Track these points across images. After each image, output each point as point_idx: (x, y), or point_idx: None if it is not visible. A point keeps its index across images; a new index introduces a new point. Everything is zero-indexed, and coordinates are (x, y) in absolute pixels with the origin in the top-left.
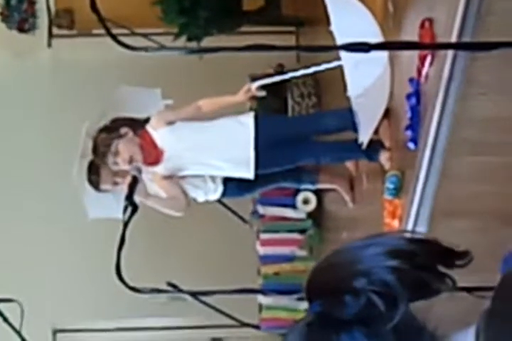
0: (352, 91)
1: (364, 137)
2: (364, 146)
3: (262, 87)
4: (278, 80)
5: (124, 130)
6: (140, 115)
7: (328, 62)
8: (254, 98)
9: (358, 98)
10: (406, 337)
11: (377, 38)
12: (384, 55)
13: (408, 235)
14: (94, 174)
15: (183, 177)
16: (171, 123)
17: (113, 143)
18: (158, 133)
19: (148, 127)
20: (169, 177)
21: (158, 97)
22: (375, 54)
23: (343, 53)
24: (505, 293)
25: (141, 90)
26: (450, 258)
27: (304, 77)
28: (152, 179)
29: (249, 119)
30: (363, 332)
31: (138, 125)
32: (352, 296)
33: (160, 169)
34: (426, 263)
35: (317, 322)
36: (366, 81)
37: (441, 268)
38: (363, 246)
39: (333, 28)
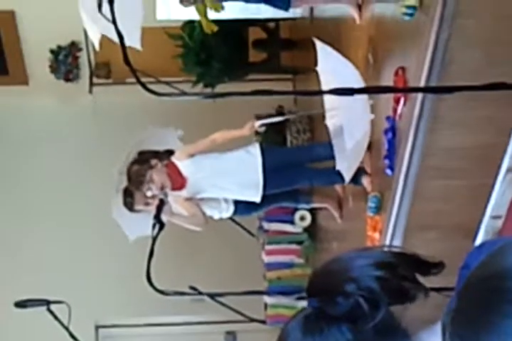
0: (334, 134)
1: (347, 176)
2: (347, 182)
3: (263, 125)
4: (275, 121)
5: (154, 161)
6: (159, 148)
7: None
8: (256, 133)
9: (340, 140)
10: (384, 334)
11: (359, 84)
12: (365, 103)
13: (391, 249)
14: (128, 197)
15: (202, 199)
16: (191, 155)
17: (147, 173)
18: (182, 164)
19: (173, 159)
20: (190, 199)
21: (175, 136)
22: (357, 102)
23: (327, 97)
24: (469, 292)
25: (161, 130)
26: (426, 267)
27: (300, 116)
28: (176, 201)
29: (256, 150)
30: (349, 328)
31: (162, 156)
32: (343, 298)
33: (183, 193)
34: (405, 273)
35: (313, 315)
36: (347, 127)
37: (419, 277)
38: (354, 257)
39: (320, 75)
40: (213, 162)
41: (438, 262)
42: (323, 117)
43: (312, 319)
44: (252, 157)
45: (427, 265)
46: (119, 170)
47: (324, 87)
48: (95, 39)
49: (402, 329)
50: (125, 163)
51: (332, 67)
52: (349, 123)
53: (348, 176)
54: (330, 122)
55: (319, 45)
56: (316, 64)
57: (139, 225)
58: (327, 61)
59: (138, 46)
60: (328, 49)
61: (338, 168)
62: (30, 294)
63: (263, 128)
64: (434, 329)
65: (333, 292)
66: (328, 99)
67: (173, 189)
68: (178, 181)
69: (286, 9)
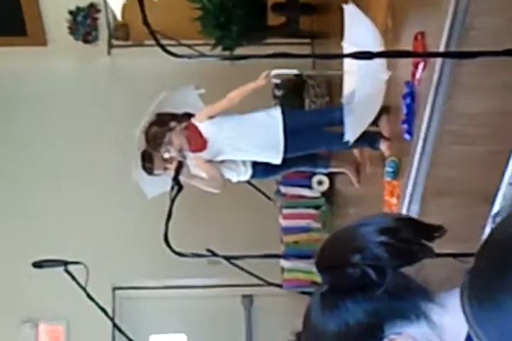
0: (346, 99)
1: (350, 137)
2: (350, 144)
3: (278, 76)
4: (289, 73)
5: (173, 124)
6: (178, 110)
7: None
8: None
9: (351, 104)
10: (399, 296)
11: (378, 47)
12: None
13: (393, 215)
14: (148, 162)
15: (221, 161)
16: (212, 116)
17: (166, 135)
18: (203, 125)
19: (194, 120)
20: (210, 161)
21: (195, 94)
22: (376, 67)
23: (347, 61)
24: (486, 253)
25: (180, 91)
26: (428, 231)
27: (319, 80)
28: (195, 163)
29: (277, 112)
30: (363, 297)
31: (181, 119)
32: (351, 269)
33: (203, 154)
34: (408, 236)
35: (327, 292)
36: (361, 91)
37: (422, 240)
38: (356, 226)
39: (345, 40)
40: (234, 124)
41: (439, 225)
42: (341, 80)
43: (327, 295)
44: (273, 119)
45: (428, 228)
46: (140, 130)
47: (345, 46)
48: (117, 8)
49: (419, 289)
50: (146, 122)
51: (357, 27)
52: (363, 86)
53: (353, 136)
54: (346, 82)
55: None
56: (335, 28)
57: (157, 184)
58: (354, 21)
59: None
60: (357, 10)
61: (345, 126)
62: (48, 255)
63: (278, 80)
64: (453, 291)
65: (340, 265)
66: (347, 61)
67: (193, 150)
68: (199, 143)
69: None
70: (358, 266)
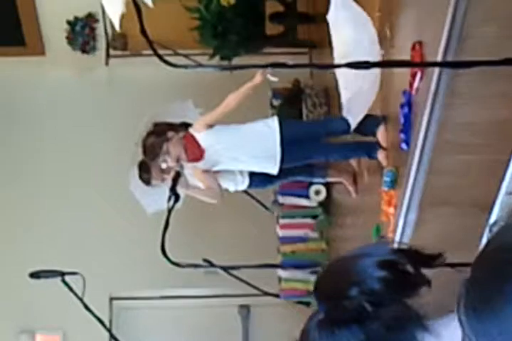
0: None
1: (353, 123)
2: (352, 129)
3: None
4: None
5: (170, 134)
6: (175, 120)
7: None
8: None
9: (347, 88)
10: (396, 328)
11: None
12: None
13: (392, 244)
14: (145, 172)
15: (218, 171)
16: (210, 126)
17: (163, 145)
18: (200, 135)
19: (192, 130)
20: (207, 171)
21: (192, 108)
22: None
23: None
24: (483, 263)
25: (177, 104)
26: (428, 260)
27: (316, 89)
28: (192, 173)
29: (274, 123)
30: (359, 328)
31: (178, 128)
32: (348, 302)
33: (201, 164)
34: (407, 268)
35: (325, 320)
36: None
37: (421, 269)
38: (357, 256)
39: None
40: (231, 134)
41: (438, 254)
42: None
43: (324, 323)
44: (271, 130)
45: (427, 257)
46: (136, 142)
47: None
48: (115, 19)
49: (416, 320)
50: (142, 134)
51: (345, 18)
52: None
53: (353, 123)
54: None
55: None
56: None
57: (156, 199)
58: (340, 11)
59: (149, 2)
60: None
61: (344, 115)
62: (45, 265)
63: (276, 79)
64: (449, 317)
65: (338, 297)
66: (339, 49)
67: (191, 160)
68: (196, 153)
69: None
70: (354, 299)
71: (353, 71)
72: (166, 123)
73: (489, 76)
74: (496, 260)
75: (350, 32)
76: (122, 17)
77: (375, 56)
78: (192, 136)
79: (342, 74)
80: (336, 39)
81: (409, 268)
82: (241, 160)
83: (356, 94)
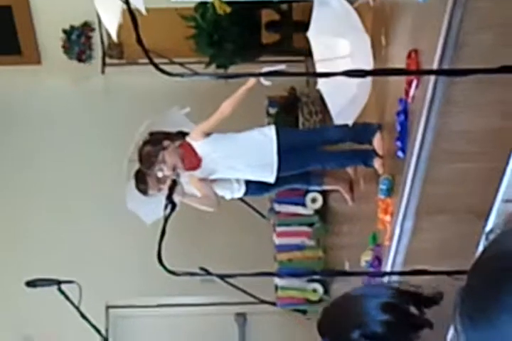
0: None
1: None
2: (347, 139)
3: (268, 73)
4: (278, 69)
5: (166, 143)
6: (172, 129)
7: None
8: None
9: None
10: None
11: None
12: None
13: (395, 285)
14: (142, 183)
15: (214, 180)
16: (207, 134)
17: (159, 154)
18: (198, 144)
19: (189, 139)
20: (203, 180)
21: (181, 114)
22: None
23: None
24: (478, 271)
25: (165, 114)
26: (428, 302)
27: (312, 97)
28: (189, 181)
29: (271, 131)
30: None
31: (174, 137)
32: None
33: (197, 173)
34: (410, 309)
35: None
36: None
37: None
38: (360, 297)
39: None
40: (228, 142)
41: (437, 295)
42: None
43: None
44: (267, 138)
45: (428, 300)
46: (129, 158)
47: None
48: (112, 29)
49: None
50: (134, 150)
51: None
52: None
53: (349, 122)
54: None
55: None
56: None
57: (153, 208)
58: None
59: (142, 9)
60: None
61: (335, 121)
62: (41, 274)
63: (269, 82)
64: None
65: (340, 337)
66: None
67: (188, 169)
68: (193, 161)
69: None
70: None
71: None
72: (162, 132)
73: (485, 84)
74: (492, 268)
75: (334, 30)
76: (119, 27)
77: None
78: (189, 145)
79: (324, 82)
80: (315, 41)
81: (413, 310)
82: (238, 168)
83: (343, 99)
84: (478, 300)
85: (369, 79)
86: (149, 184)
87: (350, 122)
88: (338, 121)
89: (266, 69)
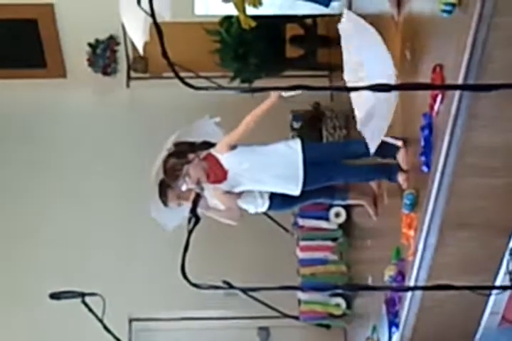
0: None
1: (372, 147)
2: (371, 154)
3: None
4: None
5: (191, 156)
6: (199, 139)
7: None
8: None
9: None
10: None
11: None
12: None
13: None
14: (163, 196)
15: (238, 194)
16: (233, 147)
17: (183, 168)
18: (223, 157)
19: (214, 152)
20: (228, 193)
21: (211, 123)
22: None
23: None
24: None
25: (196, 123)
26: None
27: (336, 112)
28: (213, 194)
29: (297, 145)
30: None
31: (199, 149)
32: None
33: (222, 186)
34: None
35: None
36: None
37: None
38: None
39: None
40: (254, 155)
41: None
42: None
43: None
44: (293, 151)
45: None
46: (155, 172)
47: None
48: (138, 43)
49: None
50: (161, 164)
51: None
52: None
53: (372, 147)
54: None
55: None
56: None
57: (174, 216)
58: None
59: (167, 15)
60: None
61: (366, 138)
62: (65, 286)
63: (292, 93)
64: None
65: None
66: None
67: (213, 182)
68: (219, 174)
69: (327, 5)
70: None
71: (367, 93)
72: (187, 142)
73: (510, 99)
74: None
75: (360, 51)
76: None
77: (390, 76)
78: (215, 158)
79: (356, 97)
80: (347, 59)
81: None
82: (263, 181)
83: (371, 117)
84: None
85: (395, 94)
86: (169, 197)
87: (379, 140)
88: (365, 133)
89: (285, 94)
